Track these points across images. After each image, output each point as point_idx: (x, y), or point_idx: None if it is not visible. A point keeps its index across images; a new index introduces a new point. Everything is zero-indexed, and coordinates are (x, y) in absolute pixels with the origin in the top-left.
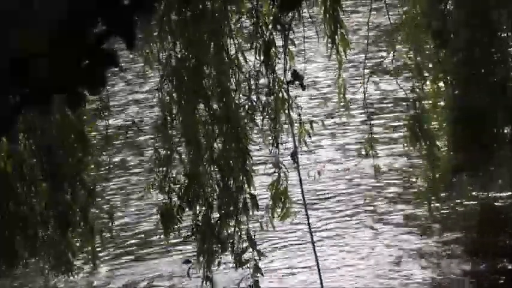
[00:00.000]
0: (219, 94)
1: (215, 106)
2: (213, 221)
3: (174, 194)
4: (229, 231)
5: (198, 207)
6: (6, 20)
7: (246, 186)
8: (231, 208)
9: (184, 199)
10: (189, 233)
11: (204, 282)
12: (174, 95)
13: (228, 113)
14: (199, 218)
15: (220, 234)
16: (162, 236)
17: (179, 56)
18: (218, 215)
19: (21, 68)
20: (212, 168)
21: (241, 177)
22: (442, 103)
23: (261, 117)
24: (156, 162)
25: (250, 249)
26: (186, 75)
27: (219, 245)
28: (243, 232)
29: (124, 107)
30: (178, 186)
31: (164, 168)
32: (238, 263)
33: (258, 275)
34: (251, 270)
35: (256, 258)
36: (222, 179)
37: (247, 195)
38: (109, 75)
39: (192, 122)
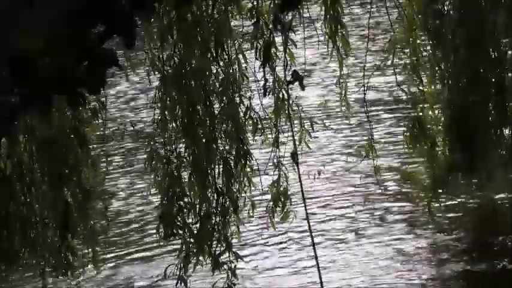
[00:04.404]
0: (219, 94)
1: (216, 106)
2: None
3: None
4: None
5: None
6: (6, 20)
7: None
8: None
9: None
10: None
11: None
12: (174, 95)
13: (228, 113)
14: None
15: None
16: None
17: (179, 56)
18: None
19: (21, 68)
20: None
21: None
22: (440, 103)
23: (262, 118)
24: (154, 163)
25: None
26: (186, 76)
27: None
28: (223, 235)
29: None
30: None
31: (163, 170)
32: (215, 265)
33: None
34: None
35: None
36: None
37: (229, 198)
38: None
39: (192, 123)
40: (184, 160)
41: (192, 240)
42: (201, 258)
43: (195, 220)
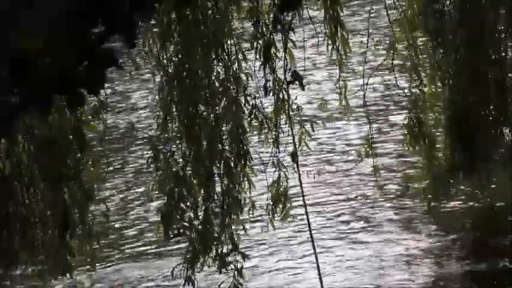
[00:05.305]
0: (219, 95)
1: (216, 107)
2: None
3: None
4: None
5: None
6: (6, 20)
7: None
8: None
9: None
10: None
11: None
12: (174, 95)
13: (228, 114)
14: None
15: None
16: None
17: (179, 56)
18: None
19: (21, 68)
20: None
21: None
22: (440, 103)
23: (262, 118)
24: (155, 163)
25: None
26: (186, 76)
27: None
28: (228, 234)
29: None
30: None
31: (163, 169)
32: (221, 265)
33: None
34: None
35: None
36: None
37: (231, 198)
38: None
39: (192, 123)
40: (188, 160)
41: (197, 240)
42: (206, 258)
43: (197, 220)
